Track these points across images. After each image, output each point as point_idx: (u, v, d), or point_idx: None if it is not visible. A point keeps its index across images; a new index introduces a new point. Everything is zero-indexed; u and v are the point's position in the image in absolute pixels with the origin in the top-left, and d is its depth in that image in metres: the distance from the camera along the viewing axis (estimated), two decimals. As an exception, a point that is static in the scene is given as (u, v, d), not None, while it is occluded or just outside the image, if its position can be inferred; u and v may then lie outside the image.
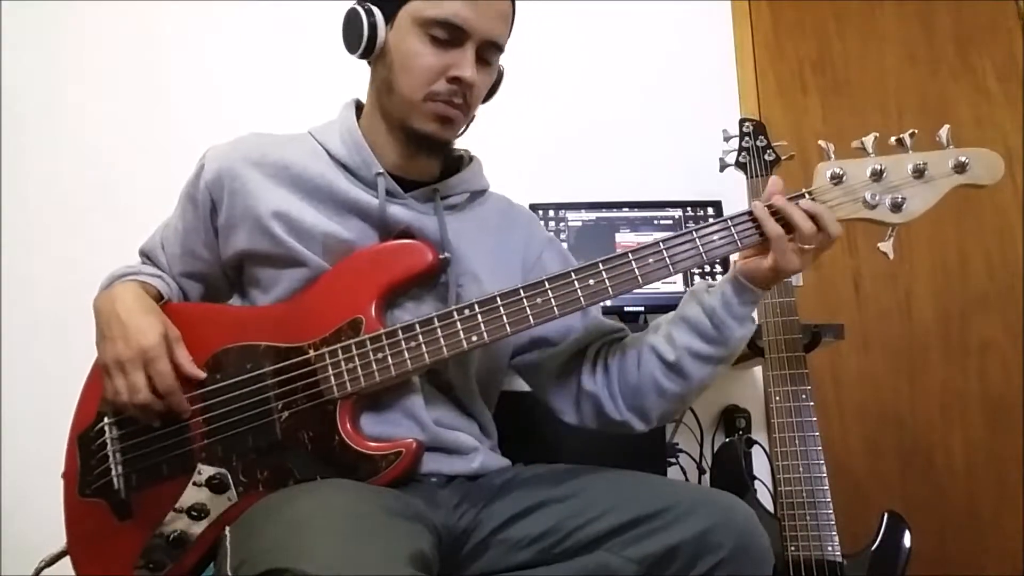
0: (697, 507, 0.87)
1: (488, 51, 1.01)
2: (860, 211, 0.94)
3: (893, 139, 0.95)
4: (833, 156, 0.96)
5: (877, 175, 0.93)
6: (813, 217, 0.92)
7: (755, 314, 1.01)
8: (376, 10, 1.00)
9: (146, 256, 1.15)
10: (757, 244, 0.94)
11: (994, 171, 0.92)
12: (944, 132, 0.94)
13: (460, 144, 1.14)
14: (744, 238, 0.94)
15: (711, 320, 0.97)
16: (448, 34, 0.97)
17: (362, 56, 1.02)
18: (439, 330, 0.94)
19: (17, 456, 1.87)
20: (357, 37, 1.01)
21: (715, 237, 0.94)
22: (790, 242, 0.92)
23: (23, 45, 2.09)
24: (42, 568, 1.16)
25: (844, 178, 0.94)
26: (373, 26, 0.99)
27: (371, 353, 0.94)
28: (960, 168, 0.92)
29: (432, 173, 1.10)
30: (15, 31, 2.09)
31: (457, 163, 1.15)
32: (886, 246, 0.95)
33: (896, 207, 0.93)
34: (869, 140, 0.95)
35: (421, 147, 1.04)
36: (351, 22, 1.02)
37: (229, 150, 1.06)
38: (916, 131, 0.94)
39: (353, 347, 0.95)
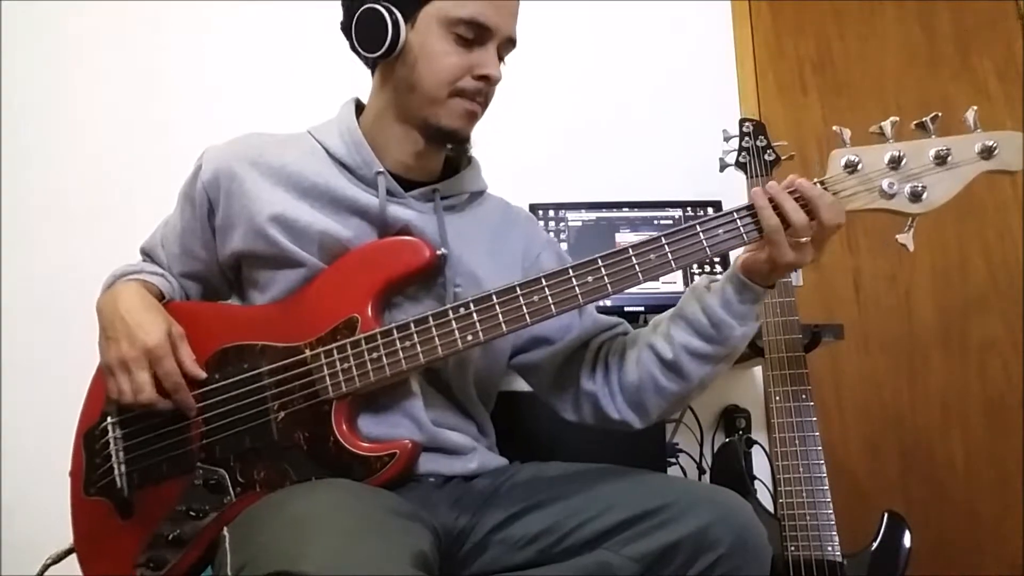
0: (695, 504, 0.87)
1: (506, 48, 1.02)
2: (876, 201, 0.88)
3: (914, 124, 0.89)
4: (848, 142, 0.90)
5: (895, 162, 0.88)
6: (807, 205, 0.88)
7: (758, 312, 0.97)
8: (395, 9, 0.98)
9: (147, 254, 1.14)
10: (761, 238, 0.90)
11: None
12: (971, 115, 0.87)
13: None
14: (749, 232, 0.91)
15: (709, 319, 0.95)
16: (473, 33, 0.98)
17: (383, 56, 0.99)
18: (434, 329, 0.93)
19: (19, 455, 1.87)
20: (379, 37, 0.98)
21: (719, 231, 0.91)
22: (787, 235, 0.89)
23: (23, 45, 2.09)
24: (48, 565, 1.17)
25: (859, 166, 0.89)
26: (397, 25, 0.97)
27: (366, 353, 0.93)
28: (987, 153, 0.86)
29: (435, 172, 1.10)
30: (15, 31, 2.09)
31: (456, 164, 1.15)
32: (905, 238, 0.89)
33: (915, 196, 0.87)
34: (888, 125, 0.89)
35: (441, 144, 1.05)
36: (370, 22, 0.99)
37: (226, 150, 1.05)
38: (940, 114, 0.88)
39: (348, 347, 0.94)
